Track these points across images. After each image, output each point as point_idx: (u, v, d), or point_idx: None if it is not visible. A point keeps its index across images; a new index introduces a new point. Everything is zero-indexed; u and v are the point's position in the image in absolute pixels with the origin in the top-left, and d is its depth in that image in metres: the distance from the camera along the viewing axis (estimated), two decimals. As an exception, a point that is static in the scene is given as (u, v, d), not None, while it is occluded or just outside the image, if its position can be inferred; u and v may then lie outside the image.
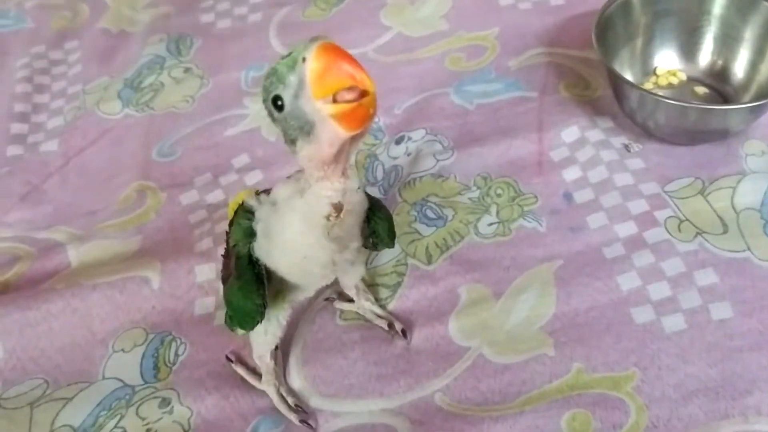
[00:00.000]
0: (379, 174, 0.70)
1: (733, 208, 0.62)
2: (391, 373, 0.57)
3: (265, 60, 0.84)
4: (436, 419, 0.54)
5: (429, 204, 0.66)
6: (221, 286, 0.52)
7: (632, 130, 0.70)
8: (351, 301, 0.60)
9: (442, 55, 0.81)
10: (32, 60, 0.90)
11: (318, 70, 0.34)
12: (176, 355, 0.59)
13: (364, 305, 0.59)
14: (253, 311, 0.47)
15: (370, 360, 0.58)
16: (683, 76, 0.74)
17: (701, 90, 0.73)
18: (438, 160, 0.70)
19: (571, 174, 0.67)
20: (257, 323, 0.48)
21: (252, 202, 0.46)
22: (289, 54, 0.36)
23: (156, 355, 0.59)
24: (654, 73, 0.75)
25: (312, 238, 0.42)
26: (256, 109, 0.79)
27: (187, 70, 0.85)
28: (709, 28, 0.72)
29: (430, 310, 0.60)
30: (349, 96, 0.34)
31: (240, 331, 0.50)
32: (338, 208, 0.41)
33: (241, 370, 0.57)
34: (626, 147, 0.69)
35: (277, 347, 0.55)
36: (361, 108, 0.34)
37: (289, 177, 0.46)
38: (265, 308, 0.47)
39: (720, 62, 0.73)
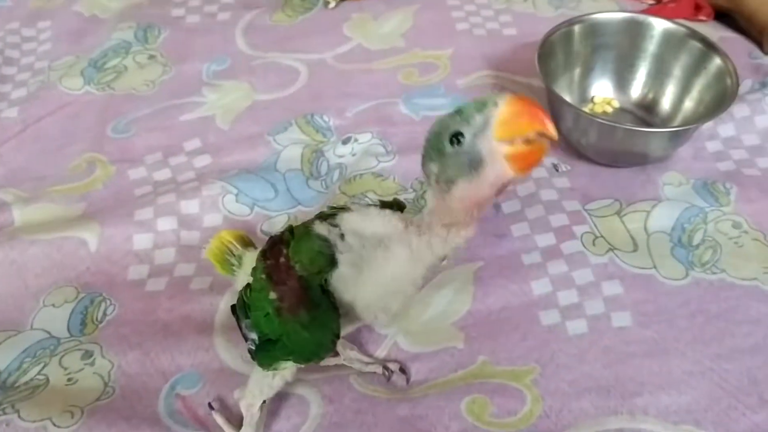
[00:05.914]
0: (324, 169, 0.74)
1: (645, 230, 0.67)
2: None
3: (229, 56, 0.88)
4: (345, 398, 0.56)
5: (366, 199, 0.70)
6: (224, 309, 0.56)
7: (565, 152, 0.75)
8: (336, 355, 0.59)
9: (397, 69, 0.86)
10: (6, 35, 0.93)
11: (508, 114, 0.38)
12: (104, 314, 0.61)
13: (350, 355, 0.58)
14: (327, 342, 0.46)
15: None
16: (617, 105, 0.80)
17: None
18: (380, 162, 0.74)
19: (501, 187, 0.72)
20: (326, 355, 0.48)
21: (323, 229, 0.46)
22: (480, 99, 0.39)
23: (85, 312, 0.61)
24: (591, 101, 0.80)
25: (416, 274, 0.45)
26: (213, 98, 0.82)
27: (151, 57, 0.88)
28: (644, 63, 0.78)
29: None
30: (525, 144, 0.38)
31: (283, 365, 0.49)
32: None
33: (219, 419, 0.55)
34: (555, 167, 0.74)
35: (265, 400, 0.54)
36: (536, 152, 0.38)
37: (376, 211, 0.48)
38: (338, 338, 0.47)
39: (651, 95, 0.79)
